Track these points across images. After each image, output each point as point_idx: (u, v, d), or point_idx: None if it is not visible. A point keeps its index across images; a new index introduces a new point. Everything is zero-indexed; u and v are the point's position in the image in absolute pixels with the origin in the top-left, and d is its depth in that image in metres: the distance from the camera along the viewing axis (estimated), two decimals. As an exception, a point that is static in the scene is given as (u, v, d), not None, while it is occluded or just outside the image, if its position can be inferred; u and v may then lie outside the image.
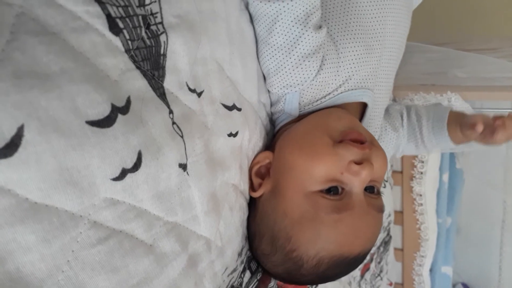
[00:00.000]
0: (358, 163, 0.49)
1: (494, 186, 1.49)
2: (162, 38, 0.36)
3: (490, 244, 1.58)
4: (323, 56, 0.56)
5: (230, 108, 0.49)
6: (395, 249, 1.37)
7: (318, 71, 0.55)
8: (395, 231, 1.33)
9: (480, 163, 1.40)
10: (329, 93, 0.59)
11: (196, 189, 0.42)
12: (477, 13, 1.53)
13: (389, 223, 1.22)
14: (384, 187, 1.15)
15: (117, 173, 0.32)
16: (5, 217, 0.25)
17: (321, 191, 0.49)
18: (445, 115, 0.72)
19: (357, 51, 0.59)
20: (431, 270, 1.36)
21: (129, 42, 0.33)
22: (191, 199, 0.42)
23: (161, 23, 0.36)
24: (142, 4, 0.33)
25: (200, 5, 0.41)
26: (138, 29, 0.33)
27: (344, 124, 0.54)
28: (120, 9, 0.31)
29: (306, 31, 0.51)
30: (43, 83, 0.26)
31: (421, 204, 1.26)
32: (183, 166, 0.40)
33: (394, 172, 1.25)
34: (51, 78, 0.27)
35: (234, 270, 0.55)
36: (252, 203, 0.58)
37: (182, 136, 0.39)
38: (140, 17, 0.33)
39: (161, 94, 0.37)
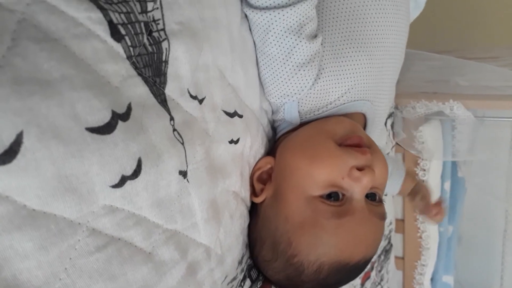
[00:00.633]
0: (360, 169, 0.48)
1: (496, 196, 1.49)
2: (164, 44, 0.36)
3: (492, 254, 1.57)
4: (322, 65, 0.56)
5: (232, 115, 0.49)
6: (396, 257, 1.36)
7: (316, 80, 0.55)
8: (396, 239, 1.33)
9: (482, 172, 1.39)
10: (331, 103, 0.58)
11: (196, 196, 0.42)
12: (479, 22, 1.53)
13: (390, 231, 1.21)
14: (386, 195, 1.14)
15: (116, 180, 0.32)
16: (3, 224, 0.25)
17: (321, 196, 0.49)
18: (403, 168, 0.91)
19: (360, 61, 0.58)
20: (432, 279, 1.35)
21: (131, 49, 0.33)
22: (191, 206, 0.42)
23: (163, 29, 0.36)
24: (144, 11, 0.33)
25: (202, 13, 0.41)
26: (140, 35, 0.33)
27: (346, 128, 0.53)
28: (122, 15, 0.31)
29: (300, 41, 0.51)
30: (43, 90, 0.26)
31: (423, 213, 1.25)
32: (183, 173, 0.40)
33: (395, 180, 1.24)
34: (51, 84, 0.27)
35: (234, 278, 0.54)
36: (253, 210, 0.58)
37: (183, 143, 0.39)
38: (142, 24, 0.33)
39: (162, 100, 0.37)
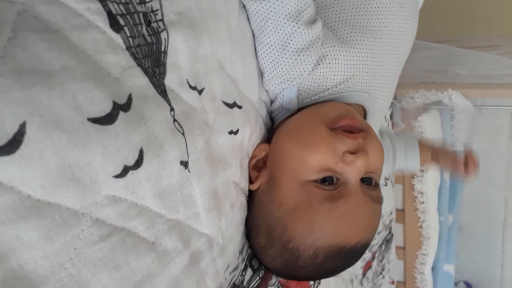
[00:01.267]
0: (353, 153, 0.48)
1: (495, 184, 1.49)
2: (163, 35, 0.36)
3: (492, 242, 1.58)
4: (325, 51, 0.56)
5: (231, 105, 0.49)
6: (397, 247, 1.37)
7: (316, 65, 0.55)
8: (397, 229, 1.33)
9: (482, 161, 1.40)
10: (328, 89, 0.59)
11: (198, 186, 0.43)
12: (477, 11, 1.53)
13: (390, 221, 1.22)
14: (386, 185, 1.15)
15: (119, 170, 0.32)
16: (8, 214, 0.25)
17: (315, 181, 0.49)
18: (415, 139, 0.83)
19: (361, 53, 0.59)
20: (433, 268, 1.37)
21: (130, 39, 0.33)
22: (192, 196, 0.42)
23: (162, 20, 0.36)
24: (142, 1, 0.34)
25: (200, 3, 0.41)
26: (139, 26, 0.33)
27: (338, 111, 0.53)
28: (121, 6, 0.31)
29: (298, 28, 0.51)
30: (45, 81, 0.26)
31: (423, 202, 1.26)
32: (185, 164, 0.40)
33: (395, 170, 1.24)
34: (53, 75, 0.27)
35: (236, 267, 0.55)
36: (250, 199, 0.58)
37: (183, 134, 0.39)
38: (140, 14, 0.33)
39: (162, 91, 0.37)
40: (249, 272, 0.59)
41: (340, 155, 0.48)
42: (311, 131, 0.51)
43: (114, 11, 0.31)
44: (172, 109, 0.38)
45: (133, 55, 0.33)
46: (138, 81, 0.34)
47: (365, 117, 0.66)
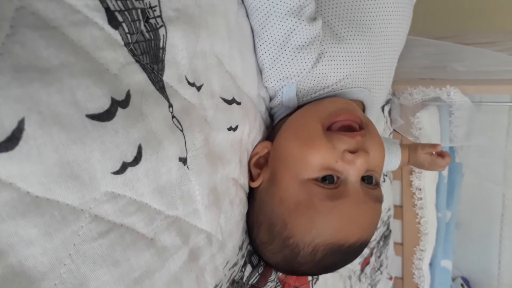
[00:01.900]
0: (353, 151, 0.48)
1: (493, 181, 1.50)
2: (161, 31, 0.36)
3: (490, 238, 1.59)
4: (323, 49, 0.56)
5: (230, 102, 0.49)
6: (395, 243, 1.37)
7: (315, 63, 0.55)
8: (395, 225, 1.34)
9: (480, 157, 1.40)
10: (328, 86, 0.59)
11: (197, 183, 0.43)
12: (476, 7, 1.53)
13: (388, 217, 1.22)
14: (384, 181, 1.15)
15: (117, 166, 0.32)
16: (7, 210, 0.26)
17: (316, 179, 0.49)
18: (397, 141, 0.89)
19: (359, 49, 0.59)
20: (430, 264, 1.37)
21: (128, 36, 0.33)
22: (191, 193, 0.42)
23: (160, 16, 0.36)
24: (141, -2, 0.33)
25: (199, -1, 0.41)
26: (137, 22, 0.33)
27: (337, 106, 0.53)
28: (119, 2, 0.31)
29: (300, 23, 0.51)
30: (43, 77, 0.26)
31: (421, 198, 1.26)
32: (183, 160, 0.40)
33: (393, 166, 1.25)
34: (51, 72, 0.27)
35: (235, 264, 0.55)
36: (251, 196, 0.58)
37: (182, 130, 0.39)
38: (139, 11, 0.33)
39: (161, 87, 0.37)
40: (248, 268, 0.59)
41: (340, 153, 0.49)
42: (309, 130, 0.51)
43: (112, 8, 0.31)
44: (170, 105, 0.38)
45: (131, 51, 0.33)
46: (137, 78, 0.34)
47: (364, 112, 0.66)
